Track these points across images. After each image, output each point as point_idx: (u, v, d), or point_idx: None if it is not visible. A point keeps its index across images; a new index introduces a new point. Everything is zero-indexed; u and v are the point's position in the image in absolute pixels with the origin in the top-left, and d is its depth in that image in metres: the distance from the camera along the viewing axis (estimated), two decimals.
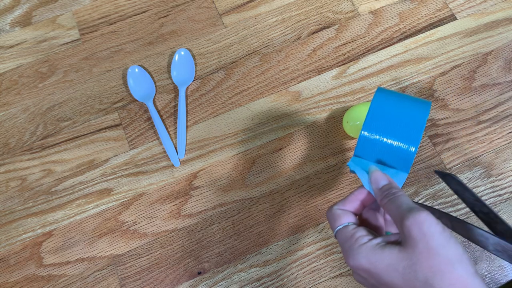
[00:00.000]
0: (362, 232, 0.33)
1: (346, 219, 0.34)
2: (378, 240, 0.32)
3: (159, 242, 0.51)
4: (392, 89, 0.57)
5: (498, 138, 0.54)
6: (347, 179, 0.53)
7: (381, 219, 0.37)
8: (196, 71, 0.60)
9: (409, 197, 0.33)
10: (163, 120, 0.57)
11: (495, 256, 0.49)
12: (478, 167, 0.53)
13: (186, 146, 0.56)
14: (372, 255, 0.31)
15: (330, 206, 0.36)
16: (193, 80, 0.59)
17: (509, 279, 0.48)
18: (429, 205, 0.51)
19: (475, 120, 0.55)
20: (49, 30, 0.63)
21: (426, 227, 0.29)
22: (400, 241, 0.31)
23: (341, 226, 0.34)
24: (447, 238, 0.29)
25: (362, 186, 0.37)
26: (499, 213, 0.51)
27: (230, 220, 0.52)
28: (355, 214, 0.36)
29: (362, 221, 0.37)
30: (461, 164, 0.53)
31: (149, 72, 0.60)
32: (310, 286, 0.49)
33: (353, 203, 0.36)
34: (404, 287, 0.29)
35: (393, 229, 0.36)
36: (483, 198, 0.51)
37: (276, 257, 0.50)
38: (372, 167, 0.36)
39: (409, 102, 0.36)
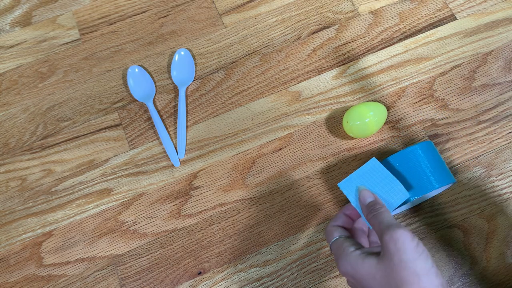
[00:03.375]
0: (349, 243, 0.38)
1: (337, 233, 0.40)
2: (361, 250, 0.37)
3: (159, 242, 0.51)
4: (392, 89, 0.57)
5: (498, 138, 0.54)
6: None
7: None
8: (196, 71, 0.60)
9: (391, 215, 0.37)
10: (163, 120, 0.57)
11: (495, 256, 0.49)
12: (478, 167, 0.53)
13: (186, 146, 0.56)
14: (355, 263, 0.36)
15: (326, 225, 0.42)
16: (193, 80, 0.59)
17: (509, 279, 0.48)
18: (428, 205, 0.51)
19: (475, 120, 0.55)
20: (49, 30, 0.63)
21: (400, 243, 0.33)
22: (378, 253, 0.35)
23: (333, 240, 0.40)
24: (418, 253, 0.33)
25: (349, 203, 0.43)
26: (498, 213, 0.51)
27: (230, 220, 0.52)
28: (347, 227, 0.42)
29: (356, 231, 0.44)
30: (461, 164, 0.53)
31: (149, 72, 0.60)
32: (310, 286, 0.49)
33: (342, 218, 0.42)
34: None
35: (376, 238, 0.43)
36: (483, 198, 0.51)
37: (276, 257, 0.50)
38: (361, 186, 0.42)
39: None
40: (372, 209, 0.39)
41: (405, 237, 0.33)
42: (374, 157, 0.43)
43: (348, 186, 0.43)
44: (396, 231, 0.34)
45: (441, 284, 0.32)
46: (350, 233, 0.42)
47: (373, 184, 0.42)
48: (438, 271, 0.33)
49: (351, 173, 0.53)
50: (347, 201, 0.52)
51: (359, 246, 0.38)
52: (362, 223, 0.45)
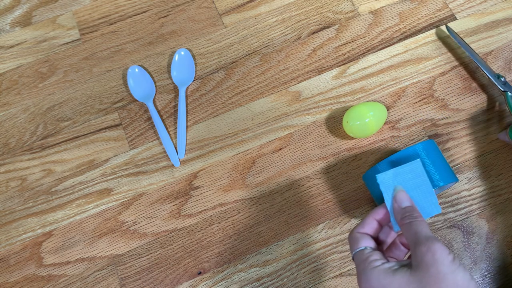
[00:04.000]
0: (376, 256, 0.35)
1: (364, 243, 0.37)
2: (390, 264, 0.34)
3: (159, 242, 0.51)
4: (392, 89, 0.57)
5: (498, 138, 0.54)
6: (347, 179, 0.53)
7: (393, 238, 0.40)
8: (196, 71, 0.60)
9: (427, 224, 0.35)
10: (163, 120, 0.57)
11: (495, 256, 0.49)
12: (478, 167, 0.53)
13: (186, 146, 0.56)
14: (383, 277, 0.33)
15: (351, 230, 0.38)
16: (193, 80, 0.59)
17: (509, 279, 0.48)
18: None
19: (475, 120, 0.55)
20: (49, 30, 0.63)
21: (439, 254, 0.32)
22: (410, 265, 0.33)
23: (358, 250, 0.37)
24: (456, 266, 0.31)
25: (378, 207, 0.39)
26: (498, 213, 0.51)
27: (230, 220, 0.52)
28: (374, 236, 0.38)
29: (379, 243, 0.40)
30: (461, 164, 0.53)
31: (149, 72, 0.60)
32: (310, 286, 0.49)
33: (371, 224, 0.39)
34: None
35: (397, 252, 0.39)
36: (483, 198, 0.51)
37: (276, 257, 0.50)
38: (399, 186, 0.39)
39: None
40: (408, 215, 0.36)
41: (443, 250, 0.32)
42: (419, 159, 0.40)
43: (385, 181, 0.39)
44: (434, 243, 0.32)
45: None
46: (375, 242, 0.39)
47: (409, 188, 0.39)
48: (477, 286, 0.32)
49: (352, 173, 0.53)
50: (348, 201, 0.52)
51: (385, 259, 0.35)
52: (385, 235, 0.41)
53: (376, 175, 0.39)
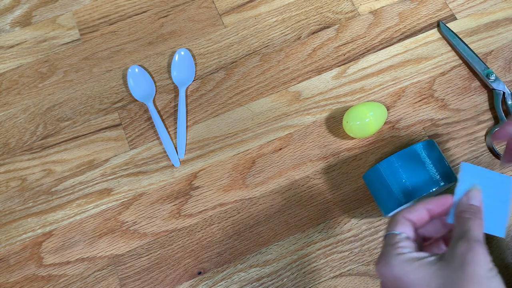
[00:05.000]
0: (406, 244, 0.33)
1: (401, 228, 0.34)
2: (418, 254, 0.32)
3: (159, 242, 0.51)
4: (392, 89, 0.57)
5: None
6: (347, 179, 0.53)
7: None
8: (196, 71, 0.60)
9: (483, 230, 0.33)
10: (163, 120, 0.57)
11: (495, 256, 0.49)
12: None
13: (186, 146, 0.56)
14: (407, 265, 0.31)
15: (399, 211, 0.36)
16: (193, 80, 0.59)
17: (509, 279, 0.48)
18: None
19: (475, 120, 0.55)
20: (49, 30, 0.63)
21: (480, 257, 0.30)
22: (440, 258, 0.31)
23: (391, 233, 0.34)
24: (494, 274, 0.30)
25: (432, 197, 0.36)
26: None
27: (230, 220, 0.52)
28: (419, 225, 0.36)
29: (425, 238, 0.37)
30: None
31: (149, 72, 0.60)
32: (310, 286, 0.49)
33: (419, 212, 0.35)
34: None
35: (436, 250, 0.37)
36: None
37: (276, 257, 0.50)
38: (479, 186, 0.36)
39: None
40: (472, 212, 0.34)
41: (486, 256, 0.30)
42: (511, 177, 0.37)
43: (468, 173, 0.37)
44: (480, 247, 0.30)
45: None
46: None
47: (487, 195, 0.36)
48: None
49: (352, 173, 0.53)
50: (348, 201, 0.52)
51: (415, 250, 0.33)
52: (434, 230, 0.38)
53: (462, 162, 0.37)
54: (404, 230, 0.34)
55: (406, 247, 0.32)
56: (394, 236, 0.34)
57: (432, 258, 0.31)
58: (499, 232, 0.36)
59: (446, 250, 0.32)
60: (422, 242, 0.37)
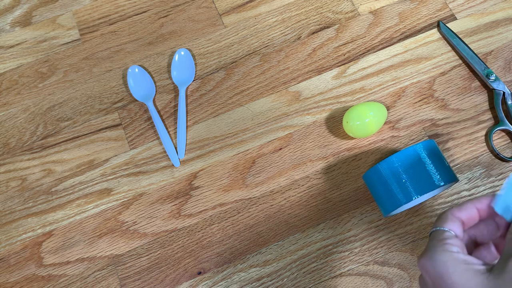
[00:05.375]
0: (455, 242, 0.31)
1: (450, 226, 0.33)
2: (467, 257, 0.30)
3: (159, 242, 0.51)
4: (392, 89, 0.57)
5: (498, 138, 0.54)
6: (347, 179, 0.53)
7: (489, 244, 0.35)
8: (196, 71, 0.60)
9: None
10: (163, 120, 0.57)
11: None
12: (478, 167, 0.53)
13: (186, 146, 0.56)
14: (453, 264, 0.29)
15: (447, 209, 0.34)
16: (193, 80, 0.59)
17: None
18: (428, 205, 0.51)
19: (475, 120, 0.55)
20: (49, 30, 0.63)
21: None
22: (490, 269, 0.29)
23: (439, 228, 0.33)
24: None
25: (482, 196, 0.34)
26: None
27: (230, 220, 0.52)
28: (466, 224, 0.34)
29: (476, 243, 0.36)
30: (461, 164, 0.53)
31: (149, 72, 0.60)
32: (310, 286, 0.49)
33: (469, 211, 0.34)
34: None
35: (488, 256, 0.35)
36: None
37: (276, 257, 0.50)
38: None
39: None
40: None
41: None
42: None
43: None
44: None
45: None
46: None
47: None
48: None
49: (352, 173, 0.53)
50: (348, 201, 0.52)
51: (464, 252, 0.31)
52: (486, 234, 0.35)
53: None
54: (453, 228, 0.32)
55: (454, 245, 0.31)
56: (442, 233, 0.32)
57: (482, 267, 0.29)
58: None
59: (497, 262, 0.30)
60: (473, 246, 0.35)
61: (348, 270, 0.49)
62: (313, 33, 0.61)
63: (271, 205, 0.52)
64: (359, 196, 0.52)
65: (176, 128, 0.56)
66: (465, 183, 0.52)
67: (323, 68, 0.59)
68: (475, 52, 0.58)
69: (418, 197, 0.44)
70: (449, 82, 0.57)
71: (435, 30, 0.60)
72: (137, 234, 0.52)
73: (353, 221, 0.51)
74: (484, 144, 0.54)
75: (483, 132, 0.54)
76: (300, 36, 0.61)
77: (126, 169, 0.55)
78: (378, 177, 0.47)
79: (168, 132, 0.56)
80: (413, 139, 0.54)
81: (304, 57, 0.59)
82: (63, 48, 0.62)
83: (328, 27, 0.61)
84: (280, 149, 0.55)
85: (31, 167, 0.55)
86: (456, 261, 0.30)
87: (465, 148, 0.54)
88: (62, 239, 0.52)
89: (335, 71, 0.58)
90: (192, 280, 0.50)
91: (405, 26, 0.60)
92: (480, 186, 0.52)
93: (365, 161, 0.53)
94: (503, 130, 0.54)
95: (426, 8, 0.61)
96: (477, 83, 0.57)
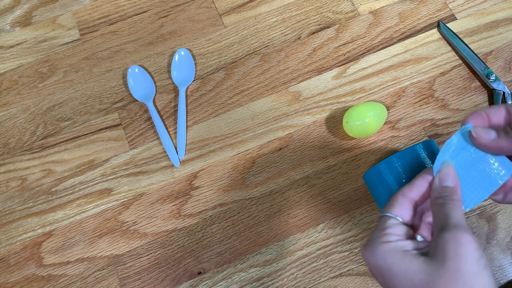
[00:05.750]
0: (396, 231, 0.30)
1: (397, 211, 0.32)
2: (405, 243, 0.30)
3: (159, 242, 0.51)
4: (392, 89, 0.57)
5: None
6: (347, 179, 0.53)
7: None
8: (196, 71, 0.60)
9: (463, 213, 0.30)
10: (163, 120, 0.57)
11: (495, 256, 0.49)
12: None
13: (186, 146, 0.56)
14: (390, 256, 0.29)
15: (400, 189, 0.33)
16: (193, 80, 0.59)
17: (509, 279, 0.48)
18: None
19: None
20: (49, 30, 0.63)
21: (464, 248, 0.26)
22: (427, 252, 0.28)
23: (385, 215, 0.32)
24: (481, 267, 0.26)
25: (431, 167, 0.33)
26: (499, 213, 0.51)
27: (230, 220, 0.52)
28: (420, 202, 0.33)
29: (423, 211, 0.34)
30: None
31: (149, 72, 0.60)
32: (310, 286, 0.49)
33: (420, 186, 0.33)
34: None
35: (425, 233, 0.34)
36: None
37: (276, 257, 0.50)
38: (450, 162, 0.33)
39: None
40: (447, 195, 0.30)
41: (470, 244, 0.27)
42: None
43: (447, 149, 0.33)
44: (462, 234, 0.27)
45: None
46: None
47: (464, 167, 0.33)
48: None
49: (352, 173, 0.53)
50: (348, 201, 0.52)
51: (404, 237, 0.30)
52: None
53: (454, 136, 0.33)
54: (400, 213, 0.32)
55: (393, 235, 0.30)
56: (386, 220, 0.32)
57: (417, 251, 0.29)
58: (477, 199, 0.33)
59: (430, 241, 0.30)
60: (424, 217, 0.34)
61: (348, 270, 0.49)
62: (313, 33, 0.61)
63: (271, 205, 0.52)
64: (359, 196, 0.52)
65: (176, 128, 0.56)
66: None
67: (323, 68, 0.59)
68: (475, 52, 0.58)
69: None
70: (449, 82, 0.57)
71: (435, 30, 0.60)
72: (137, 234, 0.52)
73: (353, 221, 0.51)
74: None
75: None
76: (300, 36, 0.61)
77: (126, 169, 0.55)
78: (378, 177, 0.47)
79: (168, 132, 0.56)
80: (413, 139, 0.54)
81: (304, 57, 0.59)
82: (63, 48, 0.62)
83: (328, 27, 0.61)
84: (280, 149, 0.55)
85: (31, 167, 0.55)
86: (394, 251, 0.29)
87: None
88: (62, 239, 0.52)
89: (335, 71, 0.58)
90: (192, 280, 0.50)
91: (405, 26, 0.60)
92: None
93: (365, 161, 0.53)
94: None
95: (426, 8, 0.61)
96: (477, 83, 0.57)
